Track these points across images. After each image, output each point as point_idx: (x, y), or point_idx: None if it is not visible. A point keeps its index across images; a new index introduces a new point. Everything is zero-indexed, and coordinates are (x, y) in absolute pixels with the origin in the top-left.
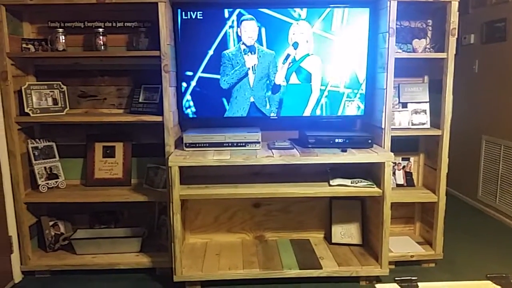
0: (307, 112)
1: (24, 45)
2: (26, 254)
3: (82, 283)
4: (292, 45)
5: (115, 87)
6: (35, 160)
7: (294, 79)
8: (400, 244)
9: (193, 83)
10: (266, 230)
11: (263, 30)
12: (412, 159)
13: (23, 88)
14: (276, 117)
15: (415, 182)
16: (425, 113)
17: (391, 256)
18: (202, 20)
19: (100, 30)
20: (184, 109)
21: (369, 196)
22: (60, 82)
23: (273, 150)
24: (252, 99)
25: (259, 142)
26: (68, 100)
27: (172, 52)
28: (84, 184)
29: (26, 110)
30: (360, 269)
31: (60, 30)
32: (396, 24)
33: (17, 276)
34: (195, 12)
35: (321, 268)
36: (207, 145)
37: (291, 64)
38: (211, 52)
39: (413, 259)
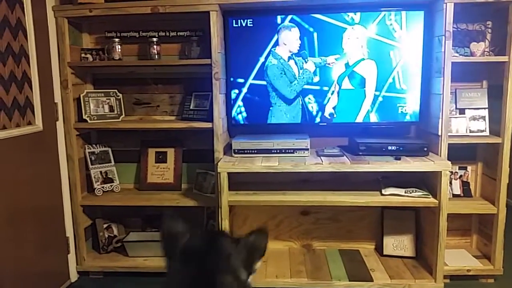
0: (359, 119)
1: (83, 55)
2: (81, 255)
3: (134, 285)
4: (346, 50)
5: (168, 94)
6: (91, 164)
7: (347, 84)
8: (456, 257)
9: (244, 89)
10: (314, 239)
11: (315, 35)
12: (469, 168)
13: (81, 95)
14: (326, 124)
15: (472, 193)
16: (484, 119)
17: (446, 269)
18: (252, 27)
19: (154, 39)
20: (234, 115)
21: (424, 207)
22: (116, 90)
23: (322, 157)
24: (300, 106)
25: (307, 149)
26: (123, 107)
27: (222, 60)
28: (137, 188)
29: (84, 117)
30: (414, 283)
31: (116, 39)
32: (453, 27)
33: (73, 276)
34: (246, 20)
35: (372, 280)
36: (256, 151)
37: (345, 69)
38: (262, 59)
39: (470, 273)
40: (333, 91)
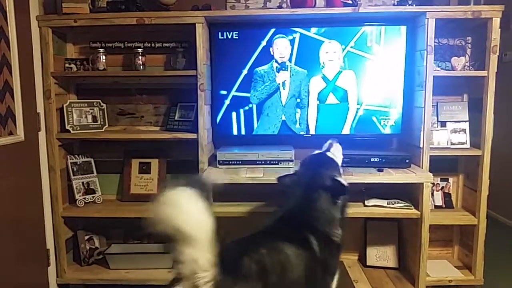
0: (342, 131)
1: (67, 65)
2: (62, 267)
3: None
4: (325, 64)
5: (152, 105)
6: (73, 175)
7: (329, 98)
8: (438, 268)
9: (227, 101)
10: None
11: (295, 49)
12: (451, 179)
13: (64, 105)
14: (309, 135)
15: (454, 204)
16: (465, 132)
17: (428, 280)
18: (238, 40)
19: (140, 50)
20: (219, 126)
21: (406, 218)
22: (100, 100)
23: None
24: (283, 117)
25: (292, 160)
26: (107, 118)
27: (208, 71)
28: (120, 199)
29: (67, 127)
30: None
31: (101, 50)
32: (434, 42)
33: None
34: (231, 32)
35: None
36: (240, 162)
37: (326, 84)
38: (245, 71)
39: (452, 284)
40: (316, 104)
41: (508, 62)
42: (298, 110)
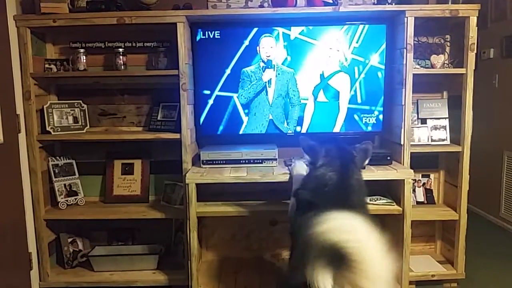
0: (326, 129)
1: (47, 65)
2: (45, 271)
3: None
4: (307, 62)
5: (135, 105)
6: (55, 177)
7: (320, 96)
8: (421, 263)
9: (211, 101)
10: (284, 249)
11: (279, 48)
12: (432, 176)
13: (45, 107)
14: (293, 134)
15: (435, 200)
16: (445, 129)
17: (412, 275)
18: (220, 39)
19: (120, 50)
20: (202, 126)
21: (389, 214)
22: (80, 101)
23: (290, 167)
24: (270, 117)
25: (276, 159)
26: (88, 119)
27: (190, 71)
28: (103, 201)
29: (47, 129)
30: None
31: (81, 50)
32: (414, 40)
33: None
34: (213, 32)
35: None
36: (224, 162)
37: (320, 81)
38: (228, 71)
39: (434, 278)
40: (299, 104)
41: (487, 59)
42: (284, 109)
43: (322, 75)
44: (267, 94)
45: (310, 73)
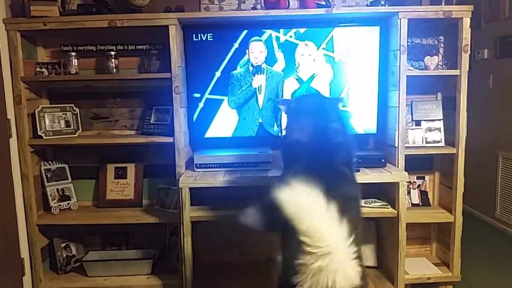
0: None
1: (38, 69)
2: (38, 277)
3: None
4: (300, 65)
5: (127, 108)
6: (47, 182)
7: None
8: (417, 265)
9: (201, 104)
10: (279, 252)
11: (270, 51)
12: (427, 177)
13: (36, 111)
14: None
15: (430, 202)
16: (439, 130)
17: (407, 278)
18: (212, 42)
19: (112, 53)
20: (196, 129)
21: (384, 217)
22: (72, 105)
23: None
24: (260, 120)
25: (270, 162)
26: (80, 122)
27: (183, 73)
28: (96, 205)
29: (39, 133)
30: None
31: (73, 53)
32: (408, 42)
33: None
34: (206, 34)
35: None
36: (218, 165)
37: (299, 85)
38: (218, 74)
39: (430, 281)
40: None
41: (480, 60)
42: (276, 111)
43: (312, 78)
44: (257, 100)
45: (300, 76)
